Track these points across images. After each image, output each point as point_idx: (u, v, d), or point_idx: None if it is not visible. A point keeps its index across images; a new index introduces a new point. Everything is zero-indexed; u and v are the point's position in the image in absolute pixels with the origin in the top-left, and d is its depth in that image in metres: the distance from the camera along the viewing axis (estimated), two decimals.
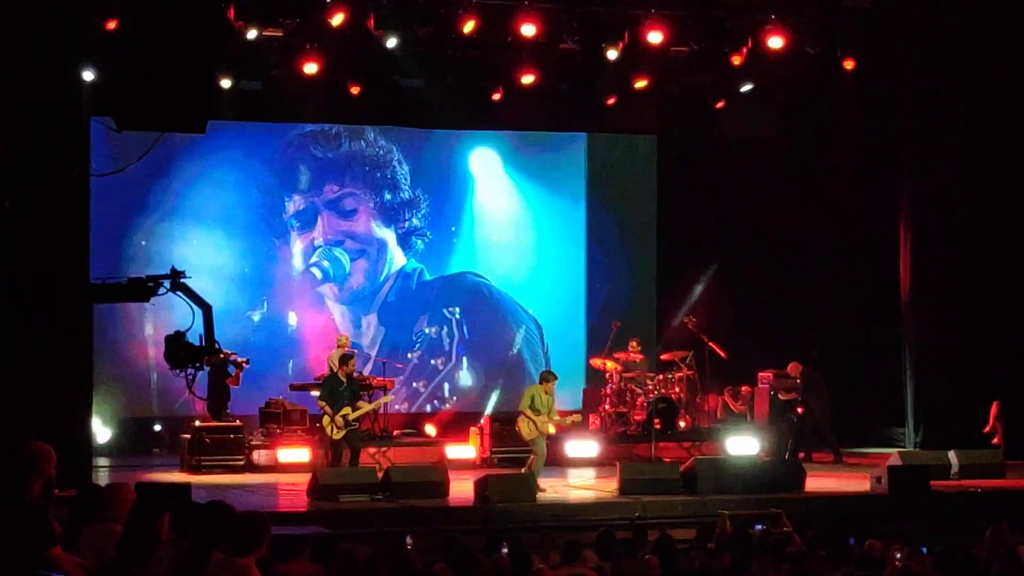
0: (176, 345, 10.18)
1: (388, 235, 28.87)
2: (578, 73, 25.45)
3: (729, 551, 14.77)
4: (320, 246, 28.44)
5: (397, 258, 28.98)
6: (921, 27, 24.51)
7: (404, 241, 28.96)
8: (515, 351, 29.29)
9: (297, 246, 28.31)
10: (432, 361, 28.82)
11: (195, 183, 27.30)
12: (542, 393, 21.67)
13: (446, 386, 28.87)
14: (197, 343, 10.16)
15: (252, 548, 8.56)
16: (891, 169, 26.79)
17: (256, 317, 27.36)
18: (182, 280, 9.85)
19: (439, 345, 29.02)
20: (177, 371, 10.08)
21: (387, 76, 25.11)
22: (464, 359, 29.10)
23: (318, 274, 28.45)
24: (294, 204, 28.22)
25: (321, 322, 28.26)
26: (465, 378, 29.06)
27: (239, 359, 23.86)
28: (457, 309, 29.20)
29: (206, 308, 9.95)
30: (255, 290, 27.64)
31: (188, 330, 10.17)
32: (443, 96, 26.03)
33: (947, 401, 25.65)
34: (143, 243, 26.66)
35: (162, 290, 10.01)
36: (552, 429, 21.93)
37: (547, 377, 21.90)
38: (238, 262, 27.45)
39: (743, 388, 26.15)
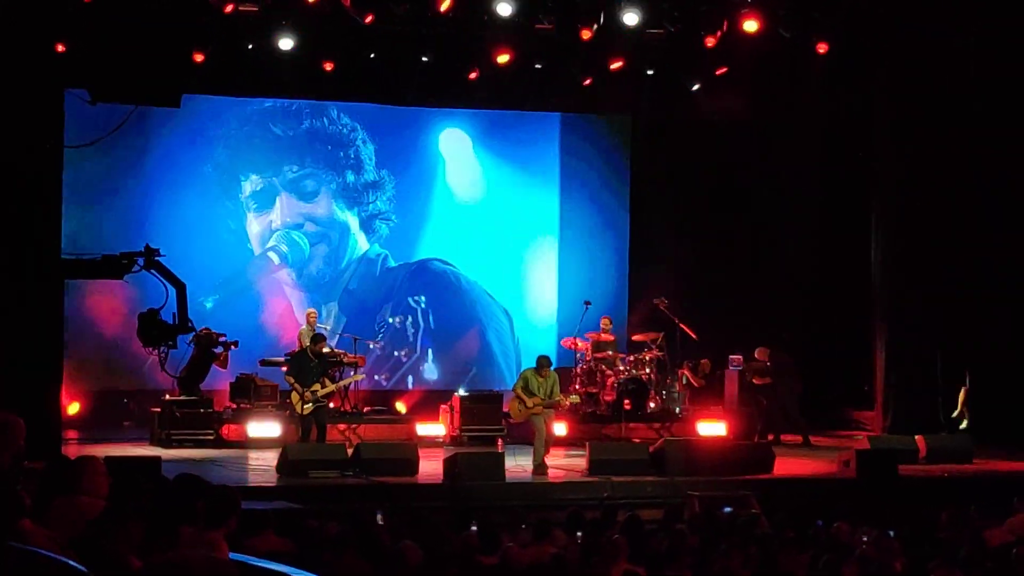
0: (149, 323, 10.18)
1: (350, 218, 28.28)
2: (553, 53, 25.40)
3: (697, 532, 14.83)
4: (278, 229, 27.80)
5: (360, 243, 28.38)
6: (896, 11, 24.54)
7: (367, 225, 28.38)
8: (483, 343, 28.89)
9: (254, 228, 27.71)
10: (396, 352, 28.27)
11: (163, 158, 26.87)
12: (536, 377, 21.60)
13: (410, 379, 28.39)
14: (170, 321, 10.14)
15: (221, 522, 8.57)
16: (862, 151, 26.83)
17: (208, 304, 26.39)
18: (156, 258, 9.82)
19: (403, 336, 28.45)
20: (150, 348, 10.05)
21: (361, 53, 25.00)
22: (429, 351, 28.57)
23: (275, 259, 27.80)
24: (251, 184, 27.60)
25: (279, 309, 27.75)
26: (430, 371, 28.55)
27: (228, 340, 23.80)
28: (423, 298, 28.67)
29: (180, 286, 9.93)
30: (209, 274, 26.66)
31: (161, 308, 10.14)
32: (416, 74, 25.89)
33: (915, 386, 25.73)
34: (110, 218, 26.12)
35: (136, 267, 9.98)
36: (539, 409, 21.58)
37: (541, 362, 21.74)
38: (192, 244, 26.34)
39: (703, 361, 26.18)
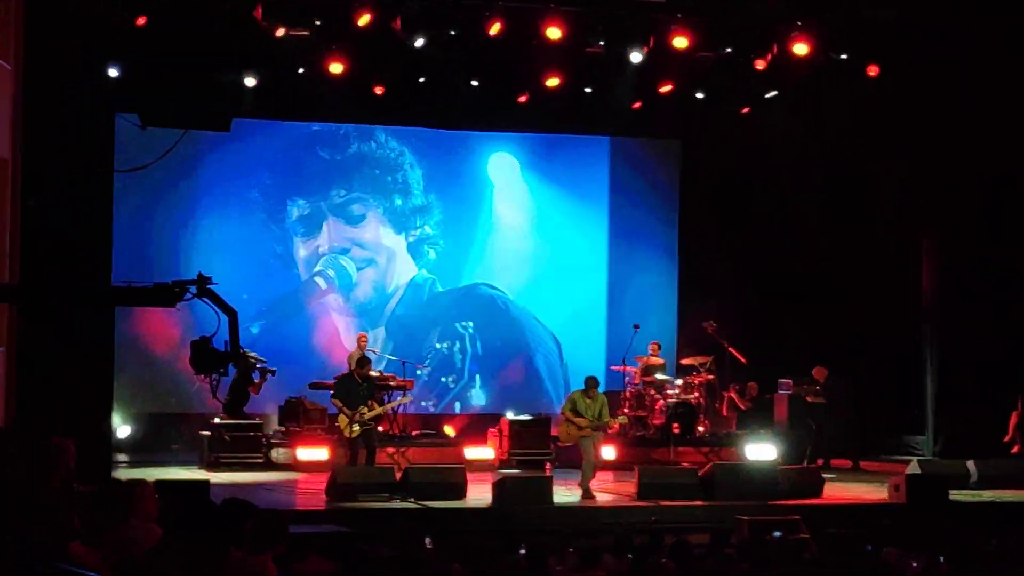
0: (201, 351, 10.16)
1: (398, 243, 28.25)
2: (602, 76, 25.39)
3: (746, 557, 14.77)
4: (325, 254, 27.84)
5: (407, 268, 28.33)
6: (946, 36, 24.42)
7: (415, 250, 28.35)
8: (532, 369, 28.77)
9: (301, 253, 27.75)
10: (443, 379, 28.21)
11: (212, 183, 27.03)
12: (584, 398, 21.58)
13: (457, 405, 28.31)
14: (222, 348, 10.16)
15: (270, 546, 8.59)
16: (915, 174, 26.69)
17: (255, 329, 26.40)
18: (208, 287, 9.84)
19: (450, 361, 28.38)
20: (201, 376, 10.09)
21: (410, 77, 25.04)
22: (477, 377, 28.52)
23: (322, 284, 27.84)
24: (298, 209, 27.65)
25: (327, 333, 27.75)
26: (478, 397, 28.49)
27: (266, 368, 23.87)
28: (471, 323, 28.62)
29: (232, 314, 9.93)
30: (256, 299, 26.60)
31: (213, 335, 10.15)
32: (465, 98, 25.90)
33: (967, 410, 25.57)
34: (157, 242, 26.24)
35: (188, 295, 10.00)
36: (587, 431, 21.55)
37: (589, 383, 21.73)
38: (239, 270, 26.46)
39: (750, 384, 26.15)
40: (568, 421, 21.48)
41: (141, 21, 20.44)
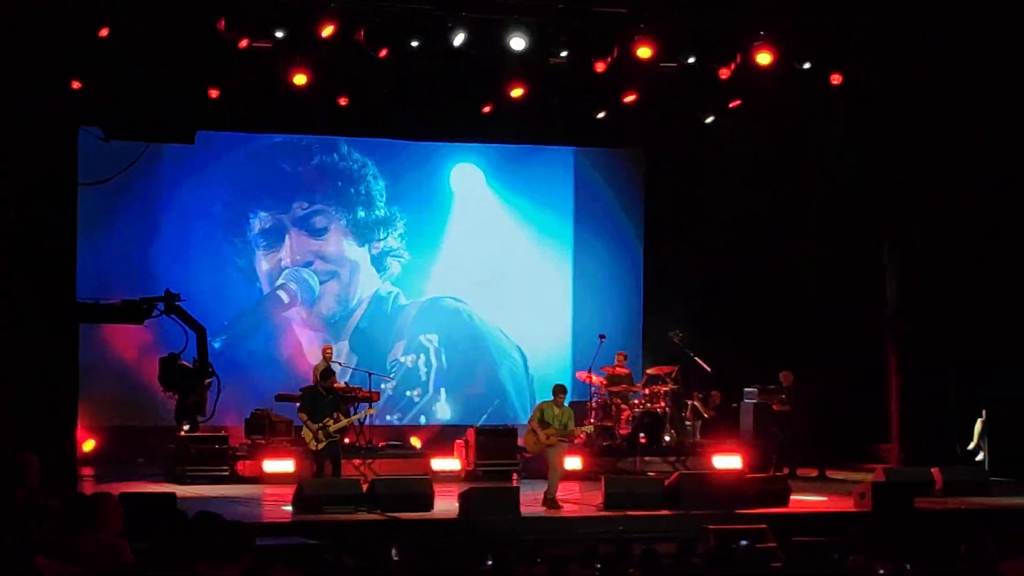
0: (170, 367, 10.18)
1: (361, 255, 28.17)
2: (567, 87, 25.40)
3: (713, 566, 14.78)
4: (287, 267, 27.73)
5: (371, 280, 28.26)
6: (912, 45, 24.51)
7: (378, 262, 28.29)
8: (497, 381, 28.69)
9: (263, 266, 27.64)
10: (408, 392, 28.17)
11: (173, 195, 26.91)
12: (553, 407, 21.56)
13: (422, 419, 28.22)
14: (191, 365, 10.15)
15: (236, 558, 8.56)
16: (877, 184, 26.77)
17: (217, 344, 25.70)
18: (176, 303, 9.81)
19: (415, 375, 28.33)
20: (170, 393, 10.04)
21: (374, 88, 25.01)
22: (442, 391, 28.46)
23: (285, 297, 27.71)
24: (260, 221, 27.55)
25: (291, 346, 27.68)
26: (443, 411, 28.40)
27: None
28: (435, 337, 28.58)
29: (200, 331, 9.93)
30: (218, 313, 26.35)
31: (181, 352, 10.16)
32: (429, 109, 25.91)
33: (931, 418, 25.66)
34: (119, 256, 26.08)
35: (156, 312, 9.97)
36: (553, 440, 21.54)
37: (557, 391, 21.69)
38: (202, 283, 26.11)
39: (713, 393, 26.25)
40: (533, 431, 21.47)
41: (103, 33, 20.34)
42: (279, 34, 22.24)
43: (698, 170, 28.37)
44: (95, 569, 8.95)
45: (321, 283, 28.01)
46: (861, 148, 26.53)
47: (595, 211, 29.30)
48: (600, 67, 23.69)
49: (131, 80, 21.39)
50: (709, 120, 26.36)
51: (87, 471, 23.39)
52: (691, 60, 23.91)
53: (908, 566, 13.77)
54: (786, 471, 24.71)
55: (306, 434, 21.85)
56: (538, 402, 22.58)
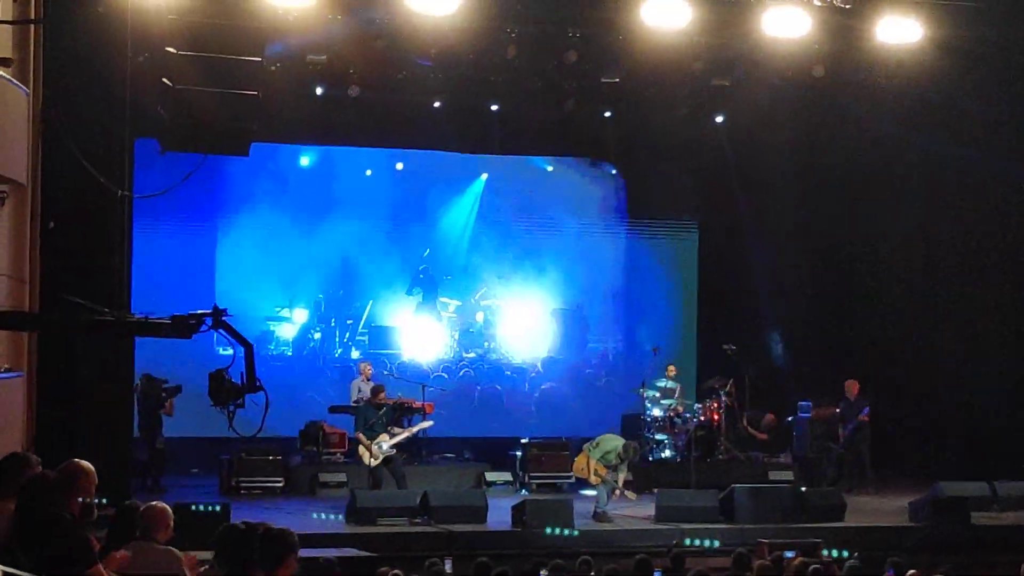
0: (218, 382, 10.20)
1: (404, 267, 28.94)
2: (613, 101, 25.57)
3: None
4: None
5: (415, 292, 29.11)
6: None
7: (427, 274, 29.06)
8: (547, 392, 28.84)
9: None
10: (462, 401, 28.13)
11: (230, 207, 27.37)
12: (620, 453, 21.60)
13: (474, 427, 27.88)
14: (238, 380, 10.20)
15: (279, 564, 8.56)
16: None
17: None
18: (223, 318, 9.84)
19: (470, 385, 28.76)
20: (219, 408, 10.09)
21: (428, 99, 25.16)
22: (493, 399, 28.70)
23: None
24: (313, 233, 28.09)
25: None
26: (494, 420, 28.21)
27: (170, 387, 23.50)
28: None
29: (247, 346, 9.95)
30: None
31: (229, 367, 10.18)
32: (497, 121, 26.35)
33: (990, 432, 25.49)
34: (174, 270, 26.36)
35: (204, 327, 9.99)
36: (597, 481, 21.63)
37: (629, 449, 21.76)
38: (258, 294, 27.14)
39: (769, 417, 26.11)
40: (588, 466, 21.51)
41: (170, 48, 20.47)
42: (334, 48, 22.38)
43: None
44: None
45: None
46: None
47: (650, 224, 29.34)
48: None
49: (188, 92, 21.47)
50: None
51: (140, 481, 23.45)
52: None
53: None
54: (842, 486, 24.48)
55: (362, 452, 21.86)
56: (605, 435, 22.45)
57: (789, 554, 16.49)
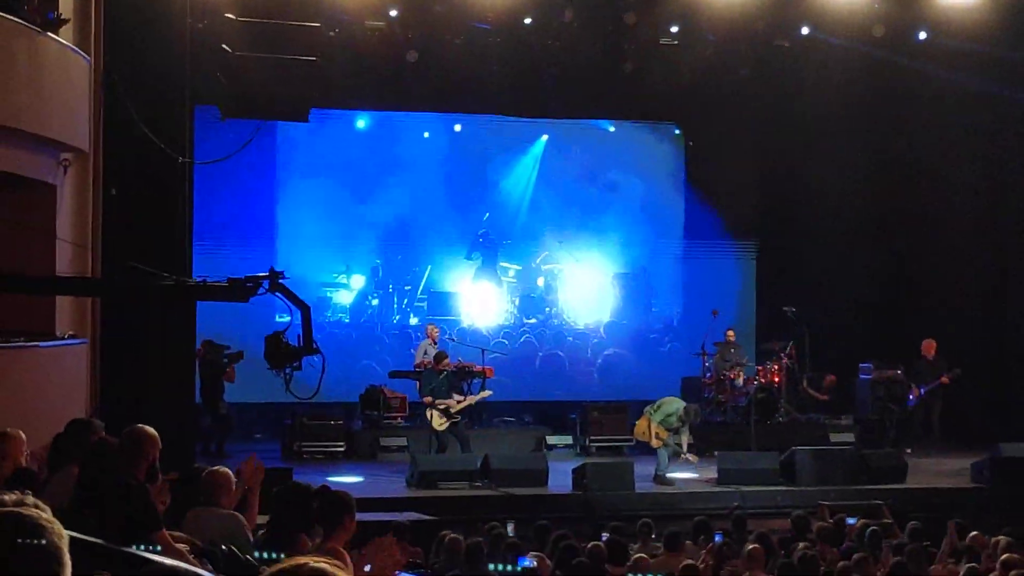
0: (275, 345, 10.21)
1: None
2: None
3: (828, 542, 14.73)
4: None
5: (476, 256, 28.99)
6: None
7: (488, 238, 28.93)
8: (607, 355, 28.65)
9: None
10: (521, 367, 27.87)
11: (289, 173, 27.49)
12: (681, 415, 21.62)
13: (534, 391, 27.82)
14: (295, 343, 10.21)
15: (337, 524, 8.60)
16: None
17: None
18: (280, 281, 9.86)
19: (531, 348, 28.58)
20: (276, 371, 10.12)
21: (483, 66, 25.14)
22: (555, 363, 28.51)
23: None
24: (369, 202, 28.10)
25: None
26: (555, 383, 28.05)
27: (232, 352, 23.57)
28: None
29: (305, 308, 9.96)
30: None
31: (286, 330, 10.21)
32: (552, 83, 26.21)
33: None
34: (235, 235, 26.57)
35: (261, 290, 10.01)
36: (658, 444, 21.67)
37: (690, 411, 21.85)
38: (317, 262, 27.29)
39: (829, 378, 25.98)
40: (649, 428, 21.50)
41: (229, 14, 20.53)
42: (392, 13, 22.40)
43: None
44: (207, 540, 9.08)
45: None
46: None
47: (708, 187, 29.20)
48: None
49: (247, 59, 21.54)
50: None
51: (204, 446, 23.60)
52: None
53: None
54: (904, 448, 24.37)
55: (431, 415, 21.92)
56: (666, 397, 22.43)
57: (851, 520, 16.47)
